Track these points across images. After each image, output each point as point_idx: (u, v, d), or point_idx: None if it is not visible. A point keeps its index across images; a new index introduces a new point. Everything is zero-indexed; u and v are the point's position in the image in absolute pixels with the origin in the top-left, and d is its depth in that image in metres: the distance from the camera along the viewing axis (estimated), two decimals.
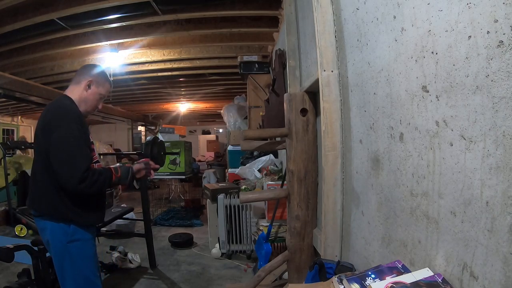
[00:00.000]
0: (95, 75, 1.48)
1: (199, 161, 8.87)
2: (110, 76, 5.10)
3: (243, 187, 3.09)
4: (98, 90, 1.48)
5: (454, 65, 0.73)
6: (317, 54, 1.50)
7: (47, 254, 2.13)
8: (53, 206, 1.32)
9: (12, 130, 9.96)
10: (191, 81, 6.16)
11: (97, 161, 1.47)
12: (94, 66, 1.54)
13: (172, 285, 2.52)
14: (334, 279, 0.95)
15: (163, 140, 3.49)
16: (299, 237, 1.86)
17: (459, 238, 0.74)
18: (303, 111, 1.83)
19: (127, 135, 11.98)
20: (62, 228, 1.32)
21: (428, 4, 0.80)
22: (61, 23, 3.21)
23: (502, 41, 0.59)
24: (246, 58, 4.00)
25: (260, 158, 3.43)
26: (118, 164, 1.51)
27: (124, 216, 3.10)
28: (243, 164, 3.62)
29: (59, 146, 1.27)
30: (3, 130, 9.57)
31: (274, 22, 3.50)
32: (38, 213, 1.38)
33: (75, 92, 1.45)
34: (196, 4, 3.10)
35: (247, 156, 3.86)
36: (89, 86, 1.46)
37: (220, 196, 2.96)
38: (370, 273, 0.89)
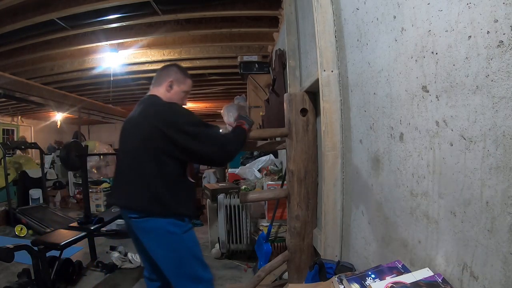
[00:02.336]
0: (174, 74, 1.53)
1: None
2: (111, 76, 5.12)
3: (243, 187, 3.09)
4: (180, 88, 1.54)
5: (454, 65, 0.73)
6: (317, 54, 1.50)
7: (47, 254, 2.14)
8: (165, 205, 1.33)
9: (12, 130, 9.96)
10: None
11: None
12: (172, 66, 1.58)
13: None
14: (334, 279, 0.95)
15: None
16: (299, 237, 1.86)
17: (459, 238, 0.74)
18: (303, 111, 1.83)
19: None
20: (175, 222, 1.36)
21: (428, 4, 0.80)
22: (61, 23, 3.21)
23: (502, 41, 0.59)
24: (246, 58, 4.00)
25: (260, 158, 3.43)
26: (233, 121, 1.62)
27: None
28: (243, 164, 3.62)
29: (193, 135, 1.34)
30: (3, 130, 9.57)
31: (274, 22, 3.50)
32: (144, 214, 1.34)
33: (159, 93, 1.51)
34: (196, 4, 3.10)
35: (247, 156, 3.86)
36: (170, 86, 1.51)
37: (220, 196, 2.95)
38: (370, 273, 0.89)
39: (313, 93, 1.83)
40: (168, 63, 1.63)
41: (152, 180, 1.33)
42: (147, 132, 1.35)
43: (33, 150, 7.21)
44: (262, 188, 2.87)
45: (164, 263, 1.39)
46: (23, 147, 6.14)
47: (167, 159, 1.34)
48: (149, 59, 4.57)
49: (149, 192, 1.33)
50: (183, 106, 1.55)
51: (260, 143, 2.01)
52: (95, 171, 6.20)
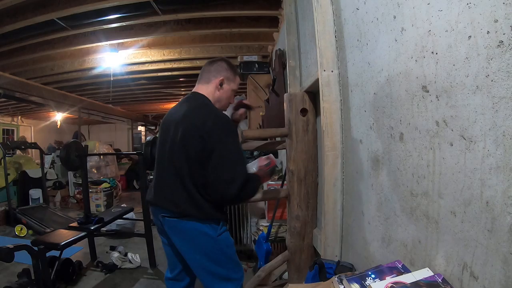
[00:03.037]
0: (225, 72, 1.43)
1: None
2: (111, 76, 5.12)
3: None
4: (230, 87, 1.45)
5: (454, 65, 0.73)
6: (317, 54, 1.50)
7: (47, 254, 2.14)
8: (202, 209, 1.30)
9: (12, 130, 9.96)
10: (191, 81, 6.15)
11: None
12: (221, 61, 1.47)
13: None
14: (334, 279, 0.95)
15: None
16: (299, 237, 1.86)
17: (459, 238, 0.74)
18: (303, 111, 1.83)
19: (127, 135, 11.98)
20: (212, 226, 1.33)
21: (428, 4, 0.80)
22: (61, 23, 3.21)
23: (502, 41, 0.59)
24: (246, 58, 4.00)
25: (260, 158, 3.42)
26: (255, 165, 1.52)
27: (124, 216, 3.10)
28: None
29: (225, 157, 1.26)
30: (3, 130, 9.57)
31: (274, 22, 3.50)
32: (179, 215, 1.32)
33: (207, 91, 1.42)
34: (196, 4, 3.10)
35: (247, 156, 3.86)
36: (221, 84, 1.42)
37: None
38: (370, 273, 0.89)
39: (313, 93, 1.83)
40: (215, 58, 1.53)
41: (190, 184, 1.29)
42: (191, 136, 1.28)
43: (33, 150, 7.22)
44: (262, 188, 2.87)
45: (194, 263, 1.38)
46: (23, 147, 6.14)
47: (204, 165, 1.28)
48: (149, 59, 4.57)
49: (186, 194, 1.30)
50: (228, 106, 1.51)
51: (260, 143, 2.01)
52: (95, 171, 6.21)
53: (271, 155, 1.68)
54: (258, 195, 2.23)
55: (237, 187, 1.25)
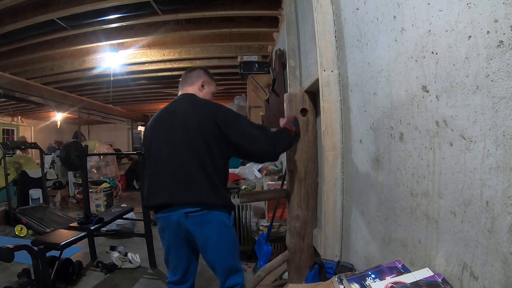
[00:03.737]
0: (204, 76, 1.63)
1: None
2: (111, 76, 5.12)
3: (243, 187, 3.09)
4: (210, 89, 1.64)
5: (454, 65, 0.73)
6: (317, 54, 1.50)
7: (47, 254, 2.14)
8: (223, 198, 1.40)
9: (12, 130, 9.96)
10: None
11: None
12: (199, 68, 1.67)
13: None
14: (334, 279, 0.95)
15: None
16: (299, 237, 1.86)
17: (459, 238, 0.74)
18: (303, 111, 1.83)
19: (127, 135, 11.98)
20: (227, 216, 1.44)
21: (428, 4, 0.80)
22: (61, 23, 3.21)
23: (502, 41, 0.59)
24: (246, 58, 4.00)
25: None
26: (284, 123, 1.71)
27: (124, 216, 3.10)
28: (243, 164, 3.62)
29: (246, 132, 1.42)
30: (3, 130, 9.57)
31: (274, 22, 3.50)
32: (206, 207, 1.37)
33: (193, 91, 1.58)
34: (196, 4, 3.10)
35: None
36: (203, 86, 1.61)
37: None
38: (370, 273, 0.89)
39: (313, 93, 1.83)
40: (192, 67, 1.74)
41: (213, 174, 1.37)
42: (204, 127, 1.39)
43: (33, 150, 7.22)
44: (262, 188, 2.87)
45: (218, 254, 1.42)
46: (23, 147, 6.14)
47: (218, 153, 1.40)
48: (149, 59, 4.57)
49: (211, 186, 1.37)
50: None
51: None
52: (95, 171, 6.21)
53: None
54: (253, 196, 2.23)
55: (273, 142, 1.46)
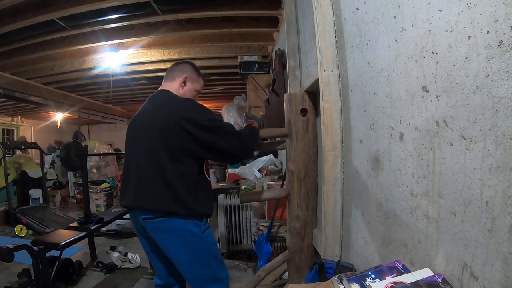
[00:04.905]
0: (189, 71, 1.50)
1: None
2: (111, 76, 5.11)
3: (243, 187, 3.09)
4: (194, 86, 1.51)
5: (454, 65, 0.73)
6: (317, 54, 1.50)
7: (47, 254, 2.14)
8: (185, 205, 1.28)
9: (12, 130, 9.96)
10: None
11: None
12: (186, 63, 1.54)
13: None
14: (334, 279, 0.95)
15: None
16: (299, 237, 1.86)
17: (459, 238, 0.74)
18: (303, 111, 1.83)
19: None
20: (195, 222, 1.32)
21: (428, 4, 0.80)
22: (61, 23, 3.21)
23: (502, 41, 0.59)
24: (246, 58, 4.00)
25: (260, 158, 3.42)
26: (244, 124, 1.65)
27: (124, 216, 3.10)
28: (243, 164, 3.62)
29: (213, 130, 1.31)
30: (3, 130, 9.57)
31: (274, 22, 3.50)
32: (162, 214, 1.29)
33: (172, 88, 1.46)
34: (196, 4, 3.10)
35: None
36: (184, 83, 1.48)
37: (220, 196, 2.95)
38: (370, 273, 0.89)
39: (313, 93, 1.83)
40: (182, 60, 1.61)
41: (172, 180, 1.27)
42: (166, 129, 1.28)
43: (33, 150, 7.22)
44: (262, 188, 2.87)
45: (183, 264, 1.34)
46: (23, 147, 6.14)
47: (186, 157, 1.29)
48: (149, 59, 4.56)
49: (169, 192, 1.27)
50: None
51: (260, 143, 2.01)
52: (95, 171, 6.20)
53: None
54: (253, 196, 2.23)
55: (241, 143, 1.37)
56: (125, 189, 1.41)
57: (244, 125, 1.59)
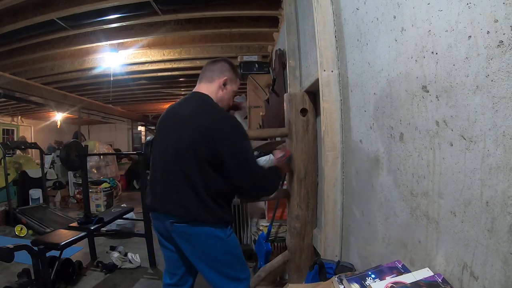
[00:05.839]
0: (228, 72, 1.41)
1: None
2: (111, 76, 5.12)
3: None
4: (232, 88, 1.43)
5: (454, 65, 0.73)
6: (317, 54, 1.50)
7: (47, 254, 2.14)
8: (213, 213, 1.27)
9: (12, 130, 9.96)
10: (191, 81, 6.16)
11: None
12: (225, 62, 1.46)
13: None
14: (334, 279, 0.95)
15: None
16: (299, 237, 1.86)
17: (459, 238, 0.74)
18: (303, 111, 1.83)
19: (127, 135, 11.99)
20: (221, 228, 1.31)
21: (428, 4, 0.80)
22: (61, 23, 3.21)
23: (502, 41, 0.59)
24: (246, 58, 4.00)
25: (260, 158, 3.42)
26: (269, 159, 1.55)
27: (124, 216, 3.10)
28: None
29: (239, 159, 1.26)
30: (3, 130, 9.58)
31: (274, 22, 3.50)
32: (190, 220, 1.28)
33: (210, 90, 1.38)
34: (196, 4, 3.10)
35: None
36: (225, 85, 1.40)
37: None
38: (370, 273, 0.89)
39: (313, 93, 1.83)
40: (217, 58, 1.52)
41: (199, 188, 1.25)
42: (198, 139, 1.24)
43: (33, 150, 7.22)
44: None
45: (207, 268, 1.34)
46: (23, 147, 6.14)
47: (209, 167, 1.25)
48: (149, 59, 4.57)
49: (197, 199, 1.26)
50: (228, 107, 1.48)
51: (260, 143, 2.01)
52: (95, 171, 6.21)
53: (284, 146, 1.70)
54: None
55: (260, 183, 1.32)
56: (151, 190, 1.40)
57: (275, 163, 1.52)
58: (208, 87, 1.39)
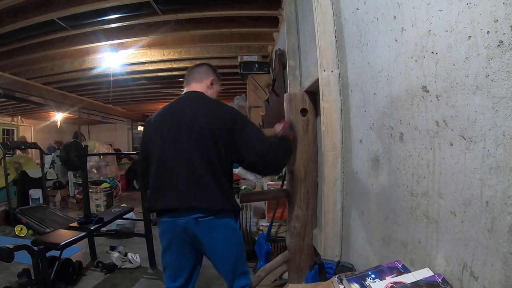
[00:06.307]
0: (213, 74, 1.55)
1: None
2: (111, 76, 5.12)
3: (243, 187, 3.09)
4: (217, 88, 1.57)
5: (454, 65, 0.73)
6: (317, 54, 1.50)
7: (47, 254, 2.14)
8: (231, 202, 1.36)
9: (12, 130, 9.96)
10: None
11: None
12: (207, 65, 1.59)
13: None
14: (334, 279, 0.95)
15: None
16: (299, 237, 1.86)
17: (459, 238, 0.74)
18: (303, 111, 1.83)
19: (127, 135, 11.99)
20: (235, 219, 1.41)
21: (428, 4, 0.80)
22: (61, 23, 3.21)
23: (502, 41, 0.59)
24: (246, 58, 4.00)
25: None
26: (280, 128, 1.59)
27: (124, 216, 3.10)
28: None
29: (254, 138, 1.36)
30: (3, 130, 9.57)
31: (274, 22, 3.50)
32: (213, 212, 1.31)
33: (202, 89, 1.50)
34: (196, 4, 3.10)
35: None
36: (212, 84, 1.53)
37: None
38: (370, 273, 0.89)
39: (313, 93, 1.83)
40: (200, 63, 1.66)
41: (220, 176, 1.32)
42: (213, 127, 1.33)
43: (33, 150, 7.22)
44: (262, 188, 2.87)
45: (226, 258, 1.40)
46: (23, 147, 6.14)
47: (225, 156, 1.34)
48: (149, 59, 4.57)
49: (219, 189, 1.31)
50: None
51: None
52: (95, 171, 6.21)
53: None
54: (253, 196, 2.23)
55: (276, 154, 1.38)
56: (160, 192, 1.37)
57: (281, 133, 1.56)
58: (200, 87, 1.51)
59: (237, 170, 3.49)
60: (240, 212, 2.83)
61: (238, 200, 2.73)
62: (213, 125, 1.33)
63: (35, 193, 4.87)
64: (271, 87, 3.20)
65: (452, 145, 0.75)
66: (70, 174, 5.92)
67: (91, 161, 6.07)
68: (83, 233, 2.44)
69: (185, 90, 1.53)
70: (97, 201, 5.22)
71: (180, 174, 1.33)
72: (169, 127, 1.39)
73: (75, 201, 5.62)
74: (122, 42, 4.07)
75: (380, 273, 0.89)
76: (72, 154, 2.98)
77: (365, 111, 1.25)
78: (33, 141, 6.98)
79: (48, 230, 3.62)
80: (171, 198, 1.34)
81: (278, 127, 1.62)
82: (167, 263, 1.44)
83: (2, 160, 4.50)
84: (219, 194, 1.31)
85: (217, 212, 1.32)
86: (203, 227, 1.32)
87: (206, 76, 1.52)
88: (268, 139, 1.42)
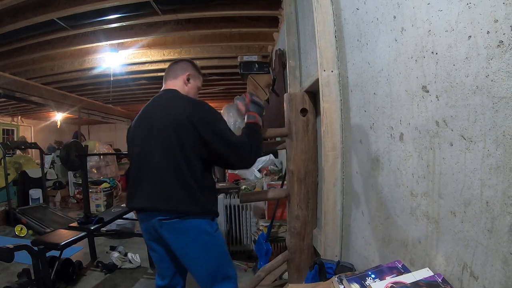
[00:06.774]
0: (190, 69, 1.50)
1: None
2: (111, 76, 5.11)
3: (243, 187, 3.09)
4: (196, 83, 1.52)
5: (454, 65, 0.73)
6: (317, 54, 1.50)
7: (47, 254, 2.14)
8: (200, 205, 1.30)
9: (12, 130, 9.96)
10: None
11: None
12: (185, 61, 1.55)
13: None
14: (334, 279, 0.95)
15: None
16: (299, 237, 1.86)
17: (459, 238, 0.74)
18: (303, 111, 1.83)
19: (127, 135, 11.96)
20: (208, 222, 1.34)
21: (428, 4, 0.80)
22: (61, 23, 3.21)
23: (502, 41, 0.59)
24: (246, 58, 4.00)
25: (260, 158, 3.42)
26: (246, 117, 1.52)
27: (124, 216, 3.10)
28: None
29: (223, 137, 1.30)
30: (3, 130, 9.57)
31: (274, 22, 3.50)
32: (178, 214, 1.29)
33: (177, 86, 1.46)
34: (196, 4, 3.10)
35: None
36: (188, 80, 1.48)
37: (220, 196, 2.95)
38: (370, 273, 0.89)
39: (313, 93, 1.83)
40: (180, 59, 1.59)
41: (187, 178, 1.28)
42: (180, 127, 1.28)
43: (33, 150, 7.22)
44: (262, 188, 2.87)
45: (196, 263, 1.34)
46: (23, 147, 6.14)
47: (195, 157, 1.30)
48: (149, 59, 4.56)
49: (184, 191, 1.28)
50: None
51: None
52: (95, 171, 6.20)
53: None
54: (253, 196, 2.23)
55: (248, 150, 1.34)
56: (134, 191, 1.39)
57: (246, 120, 1.50)
58: (174, 83, 1.47)
59: (237, 170, 3.49)
60: (236, 211, 2.83)
61: (237, 200, 2.74)
62: (179, 129, 1.28)
63: (35, 193, 4.87)
64: (271, 87, 3.20)
65: (452, 145, 0.75)
66: (70, 174, 5.92)
67: (91, 161, 6.06)
68: (83, 233, 2.44)
69: (162, 88, 1.50)
70: (97, 201, 5.22)
71: (148, 176, 1.34)
72: (142, 128, 1.41)
73: (75, 201, 5.62)
74: (122, 42, 4.07)
75: (380, 273, 0.89)
76: (72, 154, 2.98)
77: (365, 111, 1.25)
78: (33, 141, 6.98)
79: (48, 230, 3.62)
80: (140, 199, 1.36)
81: (241, 107, 1.57)
82: (154, 261, 1.48)
83: (2, 160, 4.50)
84: (184, 197, 1.27)
85: (183, 214, 1.28)
86: (168, 229, 1.31)
87: (182, 72, 1.47)
88: (236, 135, 1.36)
